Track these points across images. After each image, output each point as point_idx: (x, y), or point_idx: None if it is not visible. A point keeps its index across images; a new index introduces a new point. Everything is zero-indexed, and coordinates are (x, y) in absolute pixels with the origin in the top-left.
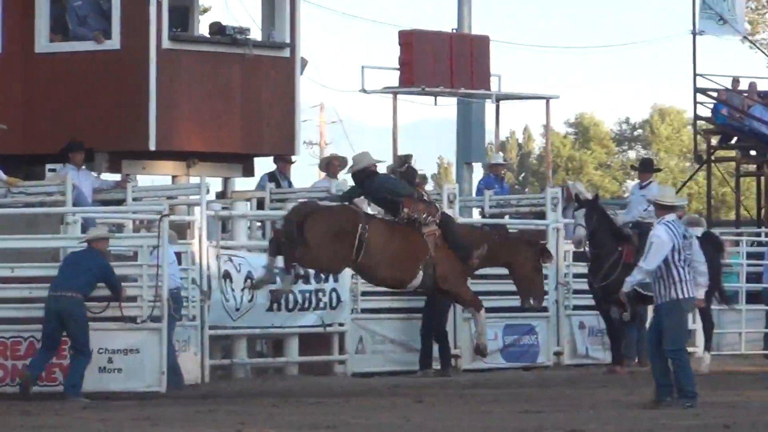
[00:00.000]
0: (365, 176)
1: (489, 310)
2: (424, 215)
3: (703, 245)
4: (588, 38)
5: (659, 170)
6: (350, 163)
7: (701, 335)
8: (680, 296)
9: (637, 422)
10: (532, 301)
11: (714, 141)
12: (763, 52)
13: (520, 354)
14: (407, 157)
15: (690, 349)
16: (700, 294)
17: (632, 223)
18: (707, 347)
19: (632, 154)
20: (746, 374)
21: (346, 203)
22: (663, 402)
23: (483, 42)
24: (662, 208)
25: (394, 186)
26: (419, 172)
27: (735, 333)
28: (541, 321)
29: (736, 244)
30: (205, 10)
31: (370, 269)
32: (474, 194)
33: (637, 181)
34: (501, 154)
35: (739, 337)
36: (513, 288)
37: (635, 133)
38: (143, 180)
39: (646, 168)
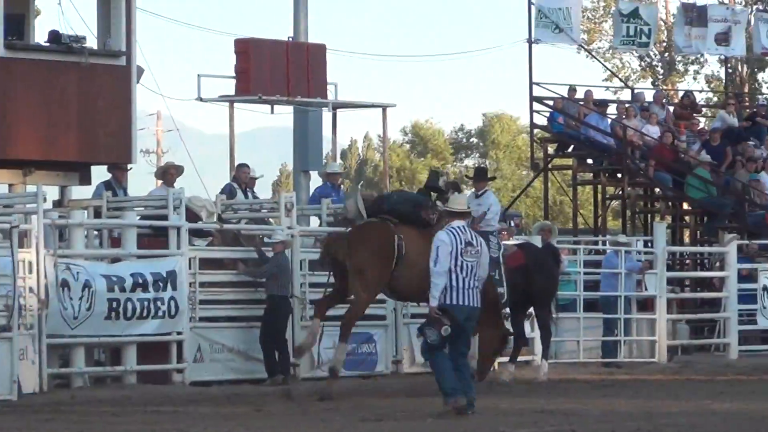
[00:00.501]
0: (376, 208)
1: (328, 318)
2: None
3: (543, 255)
4: (425, 47)
5: (494, 178)
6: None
7: (539, 343)
8: (448, 302)
9: (476, 429)
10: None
11: (551, 149)
12: (600, 61)
13: (358, 362)
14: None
15: (528, 357)
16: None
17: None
18: (545, 355)
19: (469, 162)
20: (585, 382)
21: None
22: (468, 412)
23: (319, 50)
24: (450, 215)
25: (407, 199)
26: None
27: (573, 341)
28: (379, 330)
29: (574, 252)
30: (38, 13)
31: (403, 280)
32: (311, 204)
33: (472, 189)
34: (338, 162)
35: (577, 345)
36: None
37: (470, 140)
38: None
39: (480, 176)
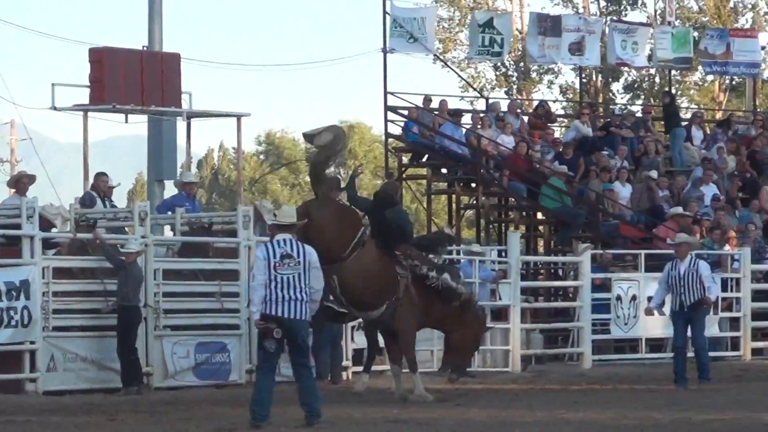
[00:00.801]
0: (387, 204)
1: (181, 327)
2: (417, 264)
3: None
4: (281, 56)
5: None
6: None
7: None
8: (265, 314)
9: None
10: (451, 373)
11: (405, 159)
12: (454, 71)
13: (212, 372)
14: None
15: (383, 367)
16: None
17: None
18: (367, 368)
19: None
20: (439, 392)
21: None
22: (314, 423)
23: (174, 59)
24: (274, 228)
25: (404, 221)
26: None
27: (427, 350)
28: (233, 339)
29: None
30: None
31: (348, 271)
32: (160, 212)
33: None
34: (193, 171)
35: (431, 354)
36: (205, 305)
37: None
38: None
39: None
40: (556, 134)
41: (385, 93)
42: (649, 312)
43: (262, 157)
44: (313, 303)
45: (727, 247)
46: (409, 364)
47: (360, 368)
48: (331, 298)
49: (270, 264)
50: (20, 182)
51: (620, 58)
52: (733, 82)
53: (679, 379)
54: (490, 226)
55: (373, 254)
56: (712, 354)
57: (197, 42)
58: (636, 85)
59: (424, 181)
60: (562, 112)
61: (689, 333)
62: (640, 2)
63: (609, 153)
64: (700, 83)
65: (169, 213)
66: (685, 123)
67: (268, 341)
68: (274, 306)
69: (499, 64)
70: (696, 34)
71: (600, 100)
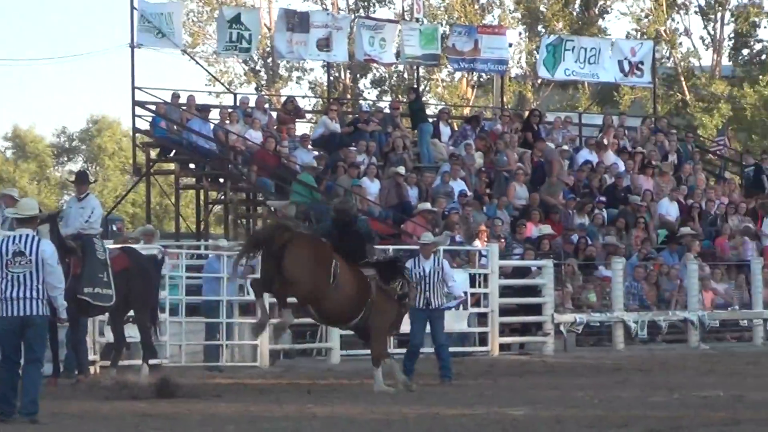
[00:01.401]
0: (346, 222)
1: None
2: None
3: (145, 259)
4: (26, 50)
5: (95, 182)
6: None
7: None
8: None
9: None
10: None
11: (153, 154)
12: (202, 66)
13: None
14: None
15: (131, 362)
16: (61, 314)
17: (73, 236)
18: (146, 359)
19: (74, 167)
20: (188, 386)
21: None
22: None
23: None
24: (18, 222)
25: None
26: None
27: (176, 345)
28: None
29: (177, 256)
30: None
31: (330, 302)
32: None
33: (74, 194)
34: None
35: (179, 348)
36: None
37: (74, 144)
38: None
39: (81, 180)
40: (306, 130)
41: (133, 88)
42: None
43: (9, 153)
44: (54, 299)
45: (477, 243)
46: (376, 356)
47: (107, 363)
48: (85, 291)
49: (2, 262)
50: None
51: (368, 55)
52: (481, 79)
53: (407, 372)
54: (239, 222)
55: (347, 274)
56: (460, 349)
57: None
58: (384, 82)
59: (173, 176)
60: (310, 108)
61: (428, 330)
62: None
63: (357, 149)
64: (448, 80)
65: None
66: (433, 119)
67: None
68: (6, 304)
69: (247, 59)
70: (445, 30)
71: (348, 96)
